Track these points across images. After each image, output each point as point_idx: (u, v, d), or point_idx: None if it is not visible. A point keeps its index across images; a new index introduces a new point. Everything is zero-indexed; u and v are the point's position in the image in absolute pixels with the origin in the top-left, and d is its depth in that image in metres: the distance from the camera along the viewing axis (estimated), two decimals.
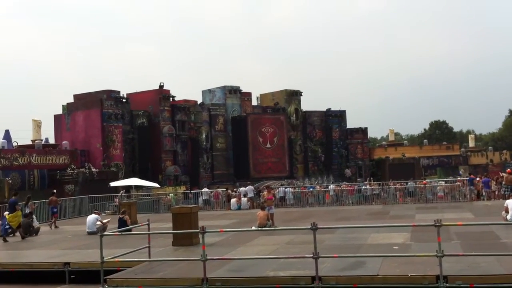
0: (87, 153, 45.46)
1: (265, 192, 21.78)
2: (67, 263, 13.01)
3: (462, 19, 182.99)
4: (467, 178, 29.53)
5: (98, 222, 19.68)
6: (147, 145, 49.60)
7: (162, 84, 51.65)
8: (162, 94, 51.39)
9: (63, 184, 39.92)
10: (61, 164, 41.81)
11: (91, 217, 20.17)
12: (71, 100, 49.65)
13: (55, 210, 24.19)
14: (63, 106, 50.87)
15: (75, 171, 41.00)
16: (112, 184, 34.76)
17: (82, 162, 43.58)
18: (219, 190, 34.47)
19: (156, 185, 38.10)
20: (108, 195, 33.08)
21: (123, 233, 15.75)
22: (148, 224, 13.05)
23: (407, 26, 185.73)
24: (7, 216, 19.83)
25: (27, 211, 21.83)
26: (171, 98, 52.50)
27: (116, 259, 11.36)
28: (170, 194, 36.28)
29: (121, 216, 19.27)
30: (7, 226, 19.76)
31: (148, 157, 49.18)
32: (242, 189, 32.98)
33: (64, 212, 28.54)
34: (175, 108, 52.17)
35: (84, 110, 46.82)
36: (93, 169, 42.31)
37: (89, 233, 19.37)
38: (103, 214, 26.01)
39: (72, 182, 40.26)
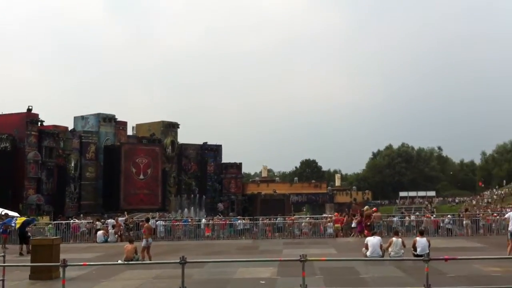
0: None
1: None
2: None
3: (336, 63, 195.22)
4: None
5: None
6: (9, 171, 46.56)
7: (30, 107, 49.10)
8: (29, 118, 48.62)
9: None
10: None
11: None
12: None
13: None
14: None
15: None
16: None
17: None
18: (83, 221, 32.94)
19: (16, 214, 35.43)
20: None
21: None
22: (4, 256, 12.14)
23: (288, 66, 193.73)
24: None
25: None
26: (39, 123, 49.85)
27: None
28: (46, 227, 33.83)
29: None
30: None
31: (9, 184, 46.07)
32: (110, 221, 31.74)
33: None
34: (43, 134, 49.65)
35: None
36: None
37: None
38: None
39: None
